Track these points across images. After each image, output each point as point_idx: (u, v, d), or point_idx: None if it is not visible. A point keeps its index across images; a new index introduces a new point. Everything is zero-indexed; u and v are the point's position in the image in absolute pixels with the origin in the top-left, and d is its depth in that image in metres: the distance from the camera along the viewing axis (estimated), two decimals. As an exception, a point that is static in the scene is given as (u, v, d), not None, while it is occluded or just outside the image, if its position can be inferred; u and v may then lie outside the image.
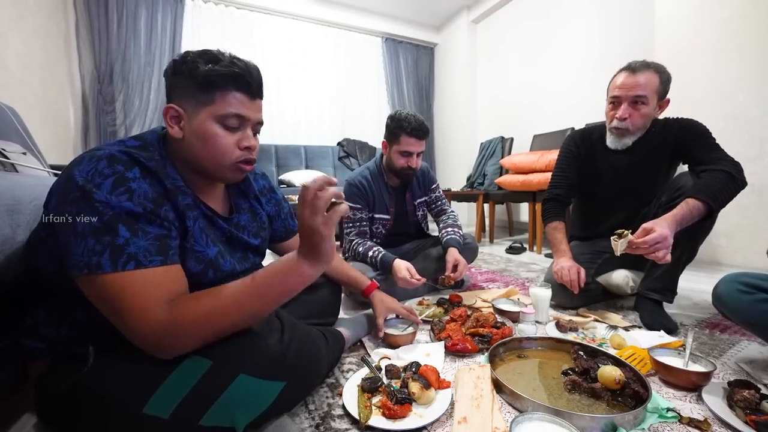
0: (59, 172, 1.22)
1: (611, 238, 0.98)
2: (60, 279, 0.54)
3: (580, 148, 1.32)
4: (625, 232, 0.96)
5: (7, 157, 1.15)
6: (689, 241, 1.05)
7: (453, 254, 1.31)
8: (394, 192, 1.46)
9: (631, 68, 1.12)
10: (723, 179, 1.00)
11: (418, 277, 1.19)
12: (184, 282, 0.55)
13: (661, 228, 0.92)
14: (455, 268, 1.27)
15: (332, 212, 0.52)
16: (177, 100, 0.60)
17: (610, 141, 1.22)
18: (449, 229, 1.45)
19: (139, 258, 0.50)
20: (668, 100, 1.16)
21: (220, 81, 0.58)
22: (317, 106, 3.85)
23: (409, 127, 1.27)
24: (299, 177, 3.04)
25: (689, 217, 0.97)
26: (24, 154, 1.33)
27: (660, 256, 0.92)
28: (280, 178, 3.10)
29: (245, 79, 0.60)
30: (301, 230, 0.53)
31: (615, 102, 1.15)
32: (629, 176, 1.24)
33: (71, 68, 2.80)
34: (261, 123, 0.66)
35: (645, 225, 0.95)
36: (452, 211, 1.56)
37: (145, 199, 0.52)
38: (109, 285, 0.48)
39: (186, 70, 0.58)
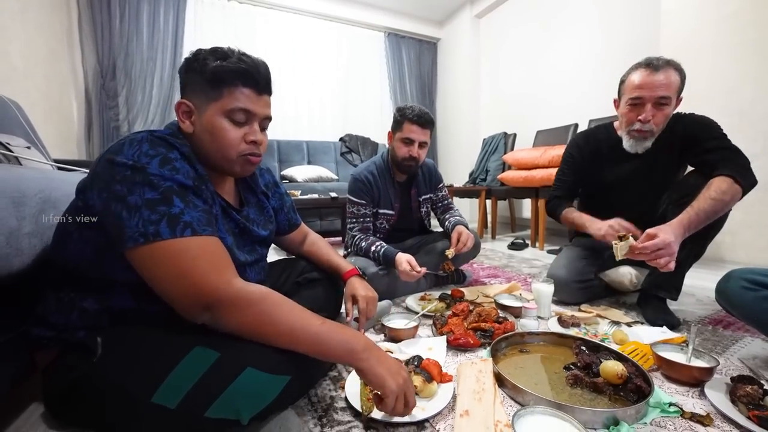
0: (63, 166, 1.23)
1: (612, 241, 0.96)
2: (87, 266, 0.57)
3: (583, 152, 1.28)
4: (627, 235, 0.93)
5: (11, 151, 1.16)
6: (699, 239, 1.00)
7: (459, 228, 1.34)
8: (399, 187, 1.46)
9: (653, 66, 1.03)
10: (727, 187, 0.95)
11: (419, 268, 1.19)
12: (229, 256, 0.58)
13: (665, 234, 0.88)
14: (460, 239, 1.30)
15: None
16: (188, 96, 0.63)
17: (630, 145, 1.13)
18: (456, 216, 1.49)
19: (194, 226, 0.52)
20: (681, 99, 1.10)
21: (227, 77, 0.60)
22: (319, 101, 3.83)
23: (412, 114, 1.28)
24: (301, 172, 3.04)
25: (697, 221, 0.92)
26: (28, 148, 1.34)
27: (662, 264, 0.88)
28: (282, 173, 3.10)
29: (252, 75, 0.62)
30: (394, 371, 0.56)
31: (637, 103, 1.06)
32: (637, 174, 1.19)
33: (74, 63, 2.80)
34: (269, 119, 0.67)
35: (649, 230, 0.91)
36: (457, 209, 1.57)
37: (189, 176, 0.56)
38: (170, 250, 0.50)
39: (197, 67, 0.61)
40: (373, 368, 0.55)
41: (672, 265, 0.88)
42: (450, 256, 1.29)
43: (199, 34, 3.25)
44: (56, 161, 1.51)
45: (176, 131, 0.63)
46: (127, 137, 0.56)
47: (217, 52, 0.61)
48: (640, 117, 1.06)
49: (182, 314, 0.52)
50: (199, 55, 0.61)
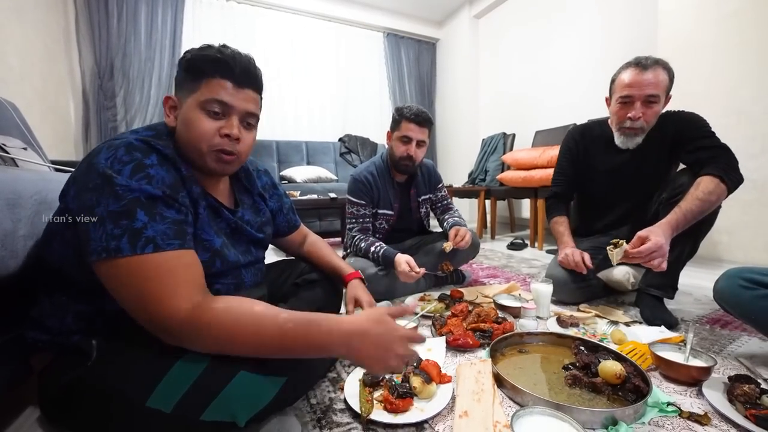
0: (60, 168, 1.23)
1: (607, 248, 0.99)
2: (70, 268, 0.55)
3: (579, 145, 1.32)
4: (621, 241, 0.97)
5: (7, 152, 1.15)
6: (690, 237, 1.04)
7: (456, 227, 1.35)
8: (399, 188, 1.46)
9: (642, 65, 1.07)
10: (713, 185, 0.98)
11: (418, 269, 1.19)
12: (200, 268, 0.55)
13: (656, 236, 0.92)
14: (457, 234, 1.31)
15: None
16: (176, 91, 0.62)
17: (621, 141, 1.18)
18: (456, 218, 1.49)
19: (157, 241, 0.50)
20: (670, 97, 1.14)
21: (205, 67, 0.59)
22: (318, 101, 3.83)
23: (410, 112, 1.29)
24: (300, 173, 3.04)
25: (684, 222, 0.96)
26: (24, 149, 1.33)
27: (655, 265, 0.92)
28: (281, 173, 3.10)
29: (228, 65, 0.59)
30: (379, 356, 0.52)
31: (627, 101, 1.11)
32: (629, 172, 1.23)
33: (71, 63, 2.79)
34: (252, 115, 0.63)
35: (640, 233, 0.95)
36: (456, 209, 1.57)
37: (163, 184, 0.53)
38: (128, 268, 0.49)
39: (182, 61, 0.61)
40: (353, 361, 0.55)
41: (665, 265, 0.92)
42: (447, 250, 1.30)
43: (198, 34, 3.24)
44: (53, 162, 1.50)
45: (162, 131, 0.62)
46: (107, 141, 0.54)
47: (202, 46, 0.61)
48: (629, 115, 1.11)
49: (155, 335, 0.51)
50: (187, 52, 0.61)
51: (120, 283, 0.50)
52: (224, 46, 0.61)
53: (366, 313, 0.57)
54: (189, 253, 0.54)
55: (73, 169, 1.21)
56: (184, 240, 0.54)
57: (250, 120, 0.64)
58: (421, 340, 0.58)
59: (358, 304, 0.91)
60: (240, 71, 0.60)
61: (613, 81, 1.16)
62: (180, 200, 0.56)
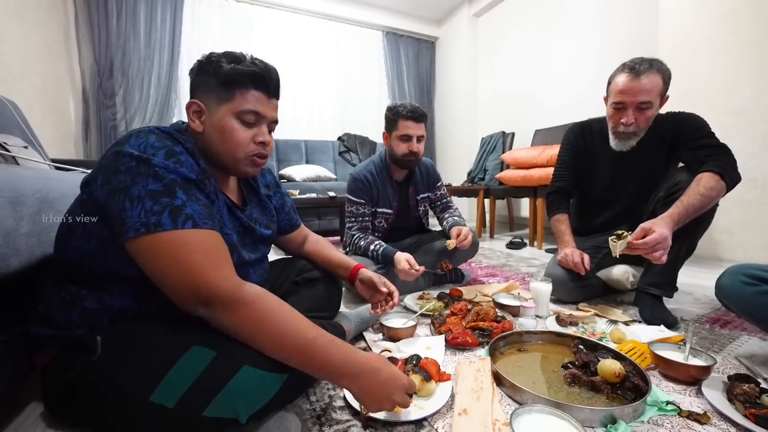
0: (61, 166, 1.23)
1: (610, 238, 0.99)
2: (91, 260, 0.57)
3: (579, 141, 1.33)
4: (625, 233, 0.96)
5: (8, 151, 1.15)
6: (688, 235, 1.05)
7: (458, 227, 1.36)
8: (398, 186, 1.46)
9: (635, 71, 1.07)
10: (713, 182, 0.99)
11: (417, 267, 1.19)
12: (227, 252, 0.57)
13: (660, 228, 0.92)
14: (459, 234, 1.31)
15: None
16: (199, 96, 0.64)
17: (615, 144, 1.20)
18: (456, 217, 1.49)
19: (195, 219, 0.52)
20: (667, 97, 1.14)
21: (240, 79, 0.62)
22: (317, 100, 3.83)
23: (405, 110, 1.30)
24: (299, 172, 3.04)
25: (685, 216, 0.97)
26: (25, 147, 1.33)
27: (657, 257, 0.93)
28: (280, 172, 3.10)
29: (264, 79, 0.64)
30: (379, 397, 0.57)
31: (619, 107, 1.12)
32: (628, 171, 1.23)
33: (71, 62, 2.79)
34: (276, 122, 0.69)
35: (643, 225, 0.95)
36: (456, 208, 1.57)
37: (194, 170, 0.57)
38: (171, 241, 0.50)
39: (210, 69, 0.62)
40: (353, 394, 0.58)
41: (665, 258, 0.93)
42: (450, 248, 1.30)
43: (197, 33, 3.24)
44: (54, 161, 1.50)
45: (181, 128, 0.64)
46: (133, 130, 0.57)
47: (230, 56, 0.63)
48: (622, 120, 1.12)
49: (179, 305, 0.52)
50: (212, 58, 0.63)
51: (160, 256, 0.51)
52: (256, 58, 0.65)
53: (375, 355, 0.61)
54: (220, 236, 0.56)
55: (74, 168, 1.22)
56: (215, 223, 0.56)
57: (273, 125, 0.70)
58: (413, 390, 0.62)
59: (371, 285, 0.95)
60: (273, 85, 0.66)
61: (609, 82, 1.17)
62: (208, 187, 0.60)
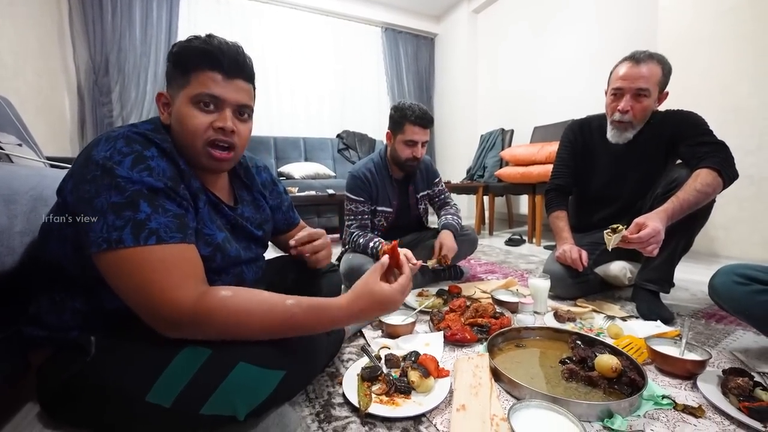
0: (56, 164, 1.22)
1: (605, 232, 1.00)
2: (69, 264, 0.55)
3: (578, 138, 1.33)
4: (620, 227, 0.98)
5: (2, 148, 1.14)
6: (685, 231, 1.05)
7: (441, 238, 1.34)
8: (397, 185, 1.45)
9: (635, 59, 1.09)
10: (711, 178, 0.99)
11: (415, 261, 1.19)
12: (201, 263, 0.55)
13: (654, 223, 0.94)
14: (441, 250, 1.30)
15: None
16: (167, 87, 0.61)
17: (612, 135, 1.20)
18: (449, 216, 1.48)
19: (160, 233, 0.50)
20: (667, 93, 1.15)
21: (192, 60, 0.57)
22: (316, 97, 3.81)
23: (413, 115, 1.27)
24: (298, 169, 3.03)
25: (680, 211, 0.98)
26: (19, 145, 1.32)
27: (649, 251, 0.94)
28: (279, 170, 3.09)
29: (215, 55, 0.57)
30: (380, 297, 0.57)
31: (617, 94, 1.13)
32: (626, 168, 1.24)
33: (66, 59, 2.76)
34: (246, 105, 0.62)
35: (638, 220, 0.96)
36: (455, 204, 1.56)
37: (164, 177, 0.53)
38: (130, 260, 0.48)
39: (169, 55, 0.60)
40: (360, 322, 0.58)
41: (656, 252, 0.95)
42: (431, 267, 1.30)
43: (193, 29, 3.20)
44: (49, 158, 1.49)
45: (159, 125, 0.60)
46: (106, 132, 0.54)
47: (189, 38, 0.59)
48: (619, 107, 1.13)
49: (154, 328, 0.50)
50: (175, 44, 0.60)
51: (121, 275, 0.49)
52: (210, 35, 0.59)
53: (358, 287, 0.60)
54: (190, 248, 0.54)
55: (69, 166, 1.21)
56: (185, 234, 0.53)
57: (243, 111, 0.62)
58: (408, 289, 0.62)
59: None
60: (229, 62, 0.58)
61: (610, 74, 1.18)
62: (180, 193, 0.55)
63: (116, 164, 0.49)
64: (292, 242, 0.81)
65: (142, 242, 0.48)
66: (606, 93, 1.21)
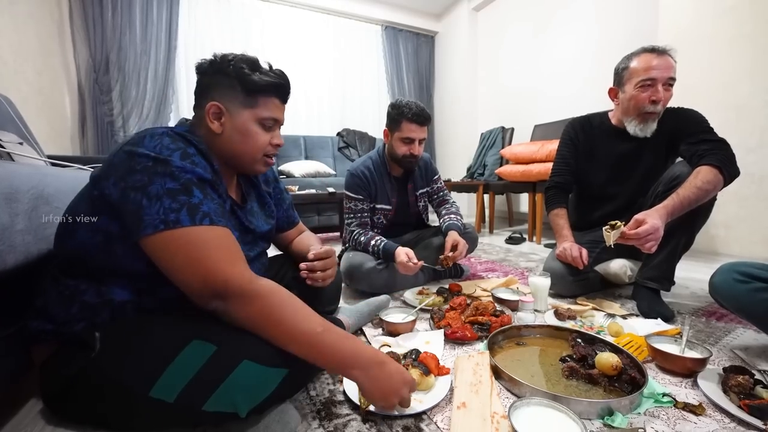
0: (57, 162, 1.22)
1: (604, 228, 1.00)
2: (97, 254, 0.57)
3: (579, 135, 1.32)
4: (619, 223, 0.97)
5: (3, 147, 1.14)
6: (686, 229, 1.05)
7: (453, 236, 1.33)
8: (396, 182, 1.45)
9: (657, 50, 1.08)
10: (712, 175, 0.99)
11: (416, 260, 1.20)
12: (240, 248, 0.59)
13: (653, 219, 0.93)
14: (455, 248, 1.29)
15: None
16: (218, 99, 0.65)
17: (639, 129, 1.16)
18: (450, 215, 1.47)
19: (212, 216, 0.55)
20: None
21: (265, 89, 0.67)
22: (316, 95, 3.80)
23: (410, 112, 1.27)
24: (299, 168, 3.03)
25: (680, 208, 0.97)
26: (20, 143, 1.32)
27: (648, 247, 0.94)
28: (279, 168, 3.09)
29: (285, 90, 0.70)
30: (387, 390, 0.57)
31: (650, 84, 1.09)
32: (627, 165, 1.23)
33: (66, 57, 2.75)
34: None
35: (637, 216, 0.96)
36: (454, 202, 1.56)
37: (207, 171, 0.59)
38: (187, 238, 0.52)
39: (231, 73, 0.65)
40: (363, 386, 0.58)
41: (654, 248, 0.95)
42: (446, 265, 1.29)
43: (194, 27, 3.20)
44: (50, 157, 1.49)
45: (192, 129, 0.66)
46: (146, 131, 0.58)
47: (250, 62, 0.66)
48: (653, 97, 1.09)
49: (194, 300, 0.54)
50: (230, 61, 0.65)
51: (177, 252, 0.52)
52: (274, 69, 0.69)
53: (379, 351, 0.64)
54: (232, 234, 0.58)
55: (70, 164, 1.21)
56: (227, 221, 0.59)
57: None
58: (415, 389, 0.63)
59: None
60: (289, 94, 0.72)
61: (623, 69, 1.15)
62: (220, 188, 0.62)
63: (168, 156, 0.55)
64: (310, 255, 0.83)
65: (197, 222, 0.53)
66: (613, 91, 1.19)
